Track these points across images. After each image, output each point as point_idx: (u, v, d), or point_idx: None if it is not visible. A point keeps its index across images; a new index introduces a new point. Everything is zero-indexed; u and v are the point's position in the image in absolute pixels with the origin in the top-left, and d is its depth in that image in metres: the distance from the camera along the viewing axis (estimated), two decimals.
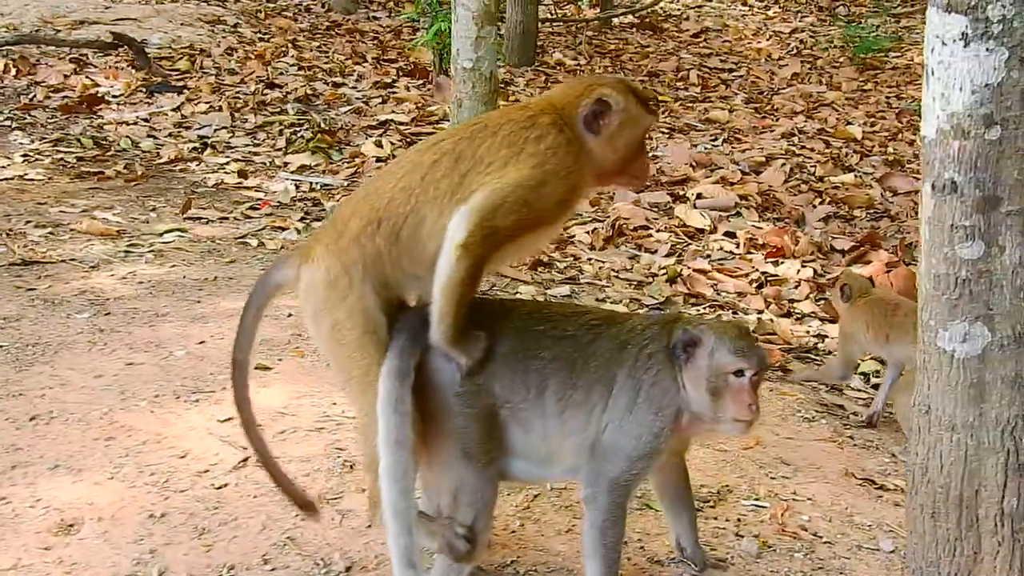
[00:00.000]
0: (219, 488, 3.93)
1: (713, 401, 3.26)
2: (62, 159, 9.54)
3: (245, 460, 4.14)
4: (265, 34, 14.89)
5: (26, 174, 8.94)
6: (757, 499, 4.40)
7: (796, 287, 7.65)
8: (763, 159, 10.47)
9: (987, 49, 2.77)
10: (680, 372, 3.26)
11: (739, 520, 4.20)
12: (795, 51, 16.69)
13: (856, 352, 5.92)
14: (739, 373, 3.26)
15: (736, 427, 3.36)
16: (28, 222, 7.58)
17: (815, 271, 7.91)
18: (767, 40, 17.54)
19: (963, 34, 2.79)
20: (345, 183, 9.23)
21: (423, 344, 3.18)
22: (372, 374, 3.17)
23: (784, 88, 14.40)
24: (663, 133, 11.33)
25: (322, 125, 10.64)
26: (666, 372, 3.27)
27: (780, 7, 20.10)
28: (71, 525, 3.67)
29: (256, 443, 3.49)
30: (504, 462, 3.30)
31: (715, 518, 4.19)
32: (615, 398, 3.25)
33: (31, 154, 9.63)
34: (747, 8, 20.16)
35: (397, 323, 3.24)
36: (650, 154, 3.32)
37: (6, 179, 8.75)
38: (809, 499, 4.49)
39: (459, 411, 3.20)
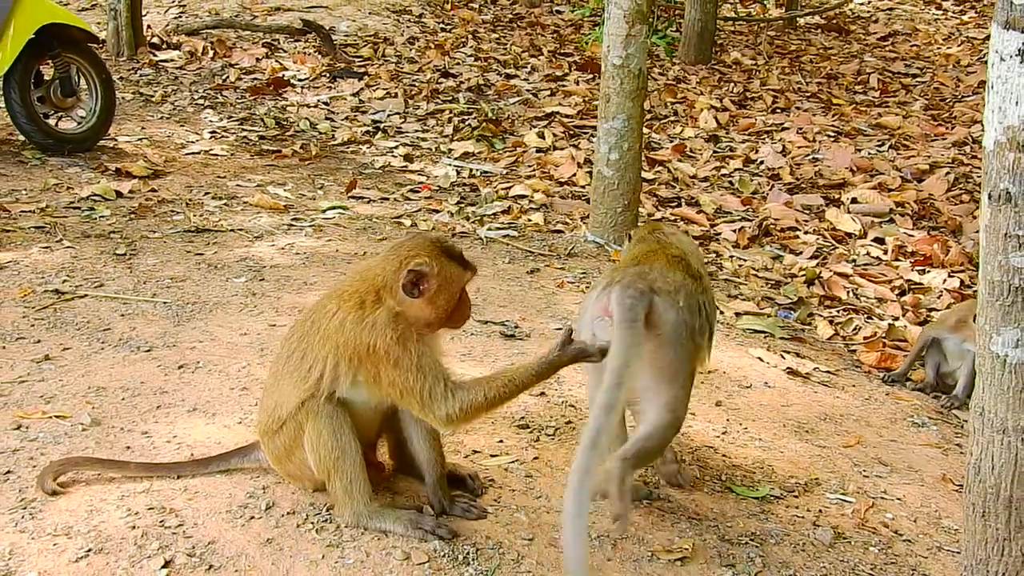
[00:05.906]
0: None
1: None
2: (246, 137, 10.25)
3: None
4: (448, 25, 15.43)
5: (212, 149, 9.66)
6: (844, 494, 4.49)
7: (939, 297, 7.58)
8: (927, 167, 10.33)
9: None
10: None
11: (820, 511, 4.29)
12: (986, 58, 16.16)
13: None
14: None
15: None
16: (207, 193, 8.23)
17: (962, 282, 7.80)
18: (958, 46, 17.05)
19: (1019, 50, 2.88)
20: (504, 171, 9.60)
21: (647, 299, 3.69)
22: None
23: (968, 96, 14.04)
24: (828, 136, 11.29)
25: (489, 114, 11.04)
26: None
27: (976, 12, 19.44)
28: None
29: None
30: None
31: (796, 507, 4.30)
32: None
33: (219, 131, 10.38)
34: (941, 12, 19.59)
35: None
36: (469, 302, 3.75)
37: (193, 153, 9.48)
38: (898, 499, 4.56)
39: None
